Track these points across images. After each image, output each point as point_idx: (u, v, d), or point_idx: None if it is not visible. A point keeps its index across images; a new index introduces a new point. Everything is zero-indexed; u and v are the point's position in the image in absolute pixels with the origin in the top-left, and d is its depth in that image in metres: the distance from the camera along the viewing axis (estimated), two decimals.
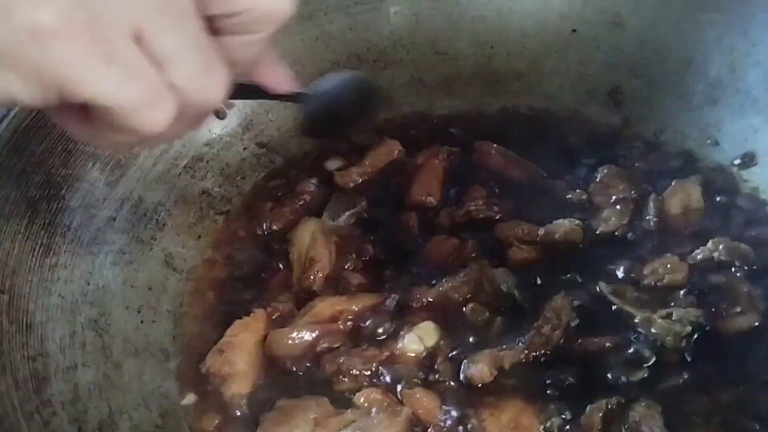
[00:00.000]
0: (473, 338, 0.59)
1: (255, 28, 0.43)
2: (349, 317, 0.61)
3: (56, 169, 0.63)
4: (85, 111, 0.39)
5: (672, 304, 0.60)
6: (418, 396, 0.56)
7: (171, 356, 0.61)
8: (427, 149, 0.75)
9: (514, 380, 0.57)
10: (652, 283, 0.61)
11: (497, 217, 0.68)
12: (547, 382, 0.56)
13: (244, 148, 0.77)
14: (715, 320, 0.59)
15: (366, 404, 0.56)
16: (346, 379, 0.57)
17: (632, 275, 0.63)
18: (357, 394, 0.56)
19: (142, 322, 0.62)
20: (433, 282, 0.63)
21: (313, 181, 0.73)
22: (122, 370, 0.57)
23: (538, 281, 0.63)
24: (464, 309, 0.61)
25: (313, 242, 0.66)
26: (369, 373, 0.57)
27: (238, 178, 0.75)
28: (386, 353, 0.58)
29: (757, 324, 0.59)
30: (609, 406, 0.53)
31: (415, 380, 0.57)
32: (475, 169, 0.73)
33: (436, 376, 0.57)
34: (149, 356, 0.60)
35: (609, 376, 0.56)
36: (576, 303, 0.60)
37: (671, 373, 0.56)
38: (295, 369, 0.59)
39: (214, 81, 0.41)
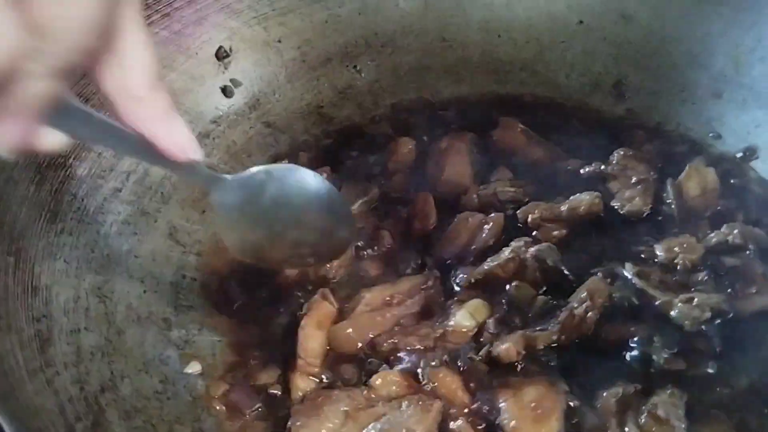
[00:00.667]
0: (517, 316, 0.59)
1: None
2: (398, 301, 0.61)
3: None
4: None
5: (693, 289, 0.60)
6: (441, 375, 0.56)
7: (173, 326, 0.61)
8: (449, 134, 0.75)
9: (543, 361, 0.57)
10: (666, 262, 0.62)
11: (526, 200, 0.68)
12: (572, 366, 0.56)
13: (251, 127, 0.77)
14: (731, 301, 0.59)
15: (383, 387, 0.56)
16: (404, 356, 0.57)
17: (656, 258, 0.63)
18: (373, 376, 0.56)
19: (145, 291, 0.62)
20: (471, 259, 0.63)
21: (326, 169, 0.73)
22: (124, 337, 0.58)
23: (576, 258, 0.63)
24: (507, 287, 0.61)
25: None
26: (425, 348, 0.57)
27: (244, 156, 0.76)
28: (440, 330, 0.58)
29: None
30: (625, 393, 0.54)
31: (443, 359, 0.57)
32: (495, 150, 0.74)
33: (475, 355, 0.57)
34: (151, 324, 0.60)
35: (633, 363, 0.57)
36: (609, 283, 0.60)
37: (696, 363, 0.56)
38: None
39: None
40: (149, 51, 0.37)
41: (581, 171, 0.71)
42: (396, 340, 0.58)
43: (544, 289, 0.61)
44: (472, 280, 0.62)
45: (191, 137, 0.39)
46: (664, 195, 0.68)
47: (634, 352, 0.57)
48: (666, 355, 0.56)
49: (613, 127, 0.77)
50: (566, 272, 0.61)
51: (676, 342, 0.57)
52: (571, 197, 0.67)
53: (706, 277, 0.60)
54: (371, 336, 0.59)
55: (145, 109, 0.37)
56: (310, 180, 0.46)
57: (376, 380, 0.55)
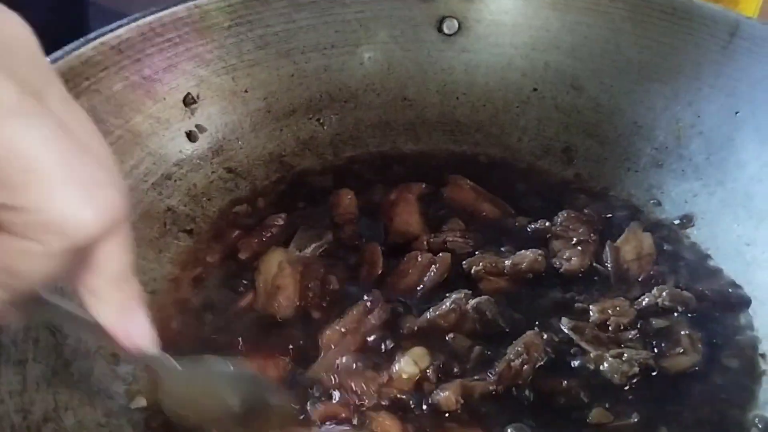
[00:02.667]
0: (456, 365, 0.62)
1: (36, 236, 0.33)
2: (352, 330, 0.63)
3: None
4: None
5: (623, 345, 0.63)
6: (380, 419, 0.58)
7: (121, 361, 0.62)
8: (398, 186, 0.78)
9: (479, 409, 0.59)
10: (599, 322, 0.65)
11: (473, 251, 0.71)
12: (505, 414, 0.59)
13: (212, 172, 0.79)
14: (659, 360, 0.62)
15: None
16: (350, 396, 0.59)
17: (590, 318, 0.66)
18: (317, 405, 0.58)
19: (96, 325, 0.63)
20: (417, 298, 0.67)
21: (282, 215, 0.76)
22: (71, 369, 0.58)
23: (513, 311, 0.66)
24: (447, 337, 0.63)
25: (279, 271, 0.68)
26: (370, 393, 0.59)
27: (204, 199, 0.78)
28: (385, 377, 0.60)
29: (697, 365, 0.63)
30: None
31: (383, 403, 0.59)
32: (446, 203, 0.77)
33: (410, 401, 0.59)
34: (100, 358, 0.61)
35: (564, 413, 0.59)
36: (546, 338, 0.63)
37: (622, 414, 0.59)
38: None
39: None
40: (121, 255, 0.38)
41: (528, 228, 0.74)
42: (340, 380, 0.60)
43: (481, 339, 0.63)
44: (415, 329, 0.64)
45: (147, 331, 0.41)
46: (603, 256, 0.71)
47: (565, 403, 0.59)
48: (595, 407, 0.58)
49: (561, 190, 0.80)
50: (503, 325, 0.64)
51: (605, 395, 0.60)
52: (516, 253, 0.70)
53: (636, 336, 0.63)
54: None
55: (107, 307, 0.39)
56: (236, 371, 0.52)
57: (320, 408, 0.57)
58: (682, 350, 0.63)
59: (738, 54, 0.75)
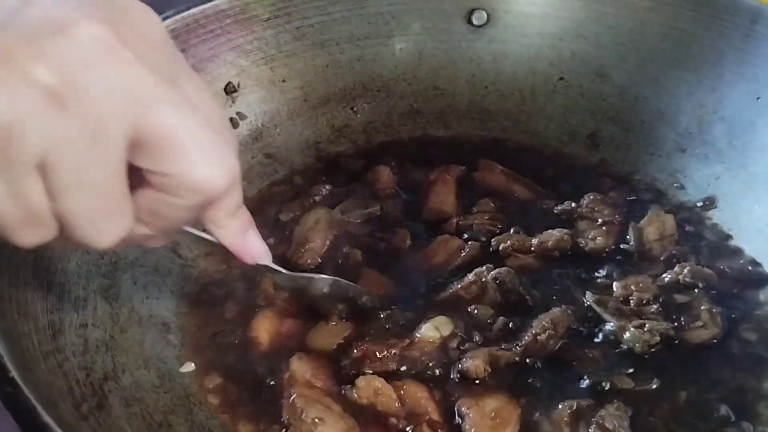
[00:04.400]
0: (478, 335, 0.64)
1: (180, 194, 0.41)
2: None
3: None
4: None
5: (644, 318, 0.66)
6: (407, 386, 0.60)
7: (171, 330, 0.66)
8: (439, 167, 0.82)
9: (505, 377, 0.62)
10: (621, 298, 0.68)
11: (497, 231, 0.75)
12: (530, 380, 0.62)
13: (252, 157, 0.84)
14: (679, 332, 0.65)
15: (365, 389, 0.60)
16: (373, 364, 0.62)
17: (613, 293, 0.69)
18: (359, 379, 0.60)
19: (147, 297, 0.68)
20: (439, 280, 0.70)
21: (327, 186, 0.80)
22: (126, 335, 0.63)
23: (538, 286, 0.69)
24: (470, 309, 0.67)
25: (314, 225, 0.72)
26: (392, 356, 0.62)
27: (245, 182, 0.80)
28: (407, 341, 0.63)
29: (716, 338, 0.66)
30: (578, 406, 0.59)
31: (409, 371, 0.62)
32: (478, 185, 0.81)
33: (437, 369, 0.63)
34: (151, 326, 0.65)
35: (587, 381, 0.62)
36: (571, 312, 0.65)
37: (642, 381, 0.62)
38: None
39: (106, 229, 0.39)
40: (236, 194, 0.46)
41: (554, 210, 0.77)
42: (365, 347, 0.63)
43: (505, 311, 0.66)
44: (438, 300, 0.68)
45: (260, 247, 0.52)
46: (627, 237, 0.74)
47: (588, 372, 0.62)
48: (616, 375, 0.61)
49: (586, 174, 0.83)
50: (524, 293, 0.67)
51: (627, 363, 0.63)
52: (544, 232, 0.73)
53: (658, 310, 0.66)
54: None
55: (227, 232, 0.48)
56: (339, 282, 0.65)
57: (361, 382, 0.60)
58: (702, 324, 0.65)
59: (760, 41, 0.78)
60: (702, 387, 0.62)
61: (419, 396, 0.59)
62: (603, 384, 0.61)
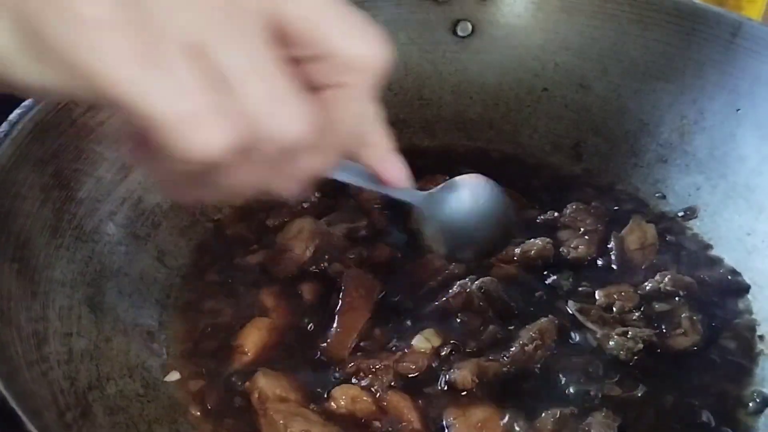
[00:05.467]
0: (468, 345, 0.65)
1: (343, 79, 0.39)
2: None
3: (68, 163, 0.69)
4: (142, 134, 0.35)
5: (627, 325, 0.67)
6: (390, 397, 0.61)
7: (156, 339, 0.66)
8: (424, 177, 0.81)
9: (492, 386, 0.62)
10: (604, 306, 0.69)
11: None
12: (517, 390, 0.62)
13: None
14: (661, 339, 0.66)
15: (343, 399, 0.60)
16: (367, 378, 0.62)
17: (596, 302, 0.70)
18: (333, 390, 0.61)
19: (132, 306, 0.68)
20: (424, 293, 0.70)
21: (316, 193, 0.80)
22: (111, 344, 0.63)
23: (523, 295, 0.70)
24: (457, 319, 0.67)
25: (297, 234, 0.73)
26: (385, 369, 0.62)
27: None
28: (399, 353, 0.64)
29: (696, 345, 0.67)
30: (562, 414, 0.59)
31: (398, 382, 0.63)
32: None
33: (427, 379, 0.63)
34: (136, 335, 0.65)
35: (572, 389, 0.63)
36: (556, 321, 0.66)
37: (628, 388, 0.63)
38: None
39: (287, 112, 0.36)
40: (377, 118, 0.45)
41: (537, 219, 0.78)
42: (359, 361, 0.63)
43: (493, 320, 0.67)
44: (425, 311, 0.68)
45: (402, 171, 0.50)
46: (609, 246, 0.75)
47: (574, 380, 0.63)
48: (603, 382, 0.62)
49: (570, 184, 0.84)
50: (508, 302, 0.68)
51: (612, 371, 0.63)
52: (526, 241, 0.73)
53: (639, 317, 0.67)
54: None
55: (376, 151, 0.47)
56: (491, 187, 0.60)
57: (337, 392, 0.60)
58: (683, 331, 0.66)
59: (740, 53, 0.79)
60: (684, 393, 0.63)
61: (402, 406, 0.60)
62: (590, 392, 0.62)
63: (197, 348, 0.66)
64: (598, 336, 0.65)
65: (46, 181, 0.66)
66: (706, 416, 0.61)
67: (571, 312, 0.68)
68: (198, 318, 0.69)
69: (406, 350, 0.64)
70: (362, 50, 0.38)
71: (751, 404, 0.62)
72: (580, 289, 0.71)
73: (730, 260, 0.75)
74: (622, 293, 0.69)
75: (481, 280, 0.68)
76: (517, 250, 0.72)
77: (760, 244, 0.74)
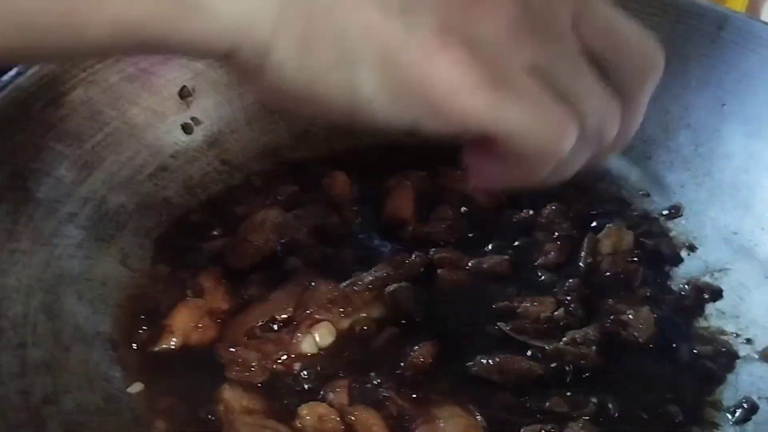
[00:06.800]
0: (360, 351, 0.62)
1: (626, 86, 0.47)
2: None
3: (26, 162, 0.66)
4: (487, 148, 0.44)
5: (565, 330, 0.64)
6: (357, 413, 0.57)
7: (119, 348, 0.63)
8: (399, 173, 0.80)
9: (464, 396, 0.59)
10: (532, 318, 0.65)
11: (454, 240, 0.73)
12: (495, 410, 0.58)
13: (208, 164, 0.80)
14: (615, 337, 0.64)
15: (308, 417, 0.57)
16: (239, 369, 0.60)
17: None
18: (300, 407, 0.58)
19: (93, 312, 0.64)
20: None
21: (294, 187, 0.77)
22: (70, 354, 0.59)
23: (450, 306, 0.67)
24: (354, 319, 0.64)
25: (259, 225, 0.70)
26: (262, 366, 0.60)
27: (199, 190, 0.79)
28: (281, 351, 0.61)
29: (653, 341, 0.64)
30: (543, 428, 0.56)
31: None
32: (439, 192, 0.79)
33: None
34: (98, 344, 0.62)
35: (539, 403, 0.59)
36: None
37: (599, 394, 0.60)
38: None
39: (612, 112, 0.46)
40: None
41: (513, 218, 0.76)
42: (238, 350, 0.61)
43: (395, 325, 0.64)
44: (324, 300, 0.64)
45: None
46: (582, 254, 0.72)
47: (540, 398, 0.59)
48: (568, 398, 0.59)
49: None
50: (412, 312, 0.65)
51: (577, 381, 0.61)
52: (486, 255, 0.71)
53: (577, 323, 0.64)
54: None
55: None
56: None
57: (303, 410, 0.57)
58: (640, 326, 0.64)
59: (725, 47, 0.77)
60: (651, 393, 0.61)
61: (371, 423, 0.56)
62: (559, 407, 0.58)
63: (163, 357, 0.63)
64: (547, 350, 0.62)
65: (1, 180, 0.63)
66: (676, 414, 0.59)
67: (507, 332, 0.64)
68: (139, 310, 0.66)
69: (291, 347, 0.61)
70: (651, 54, 0.47)
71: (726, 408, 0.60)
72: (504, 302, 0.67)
73: (716, 260, 0.73)
74: (536, 302, 0.66)
75: (394, 286, 0.65)
76: (470, 264, 0.69)
77: (746, 243, 0.72)
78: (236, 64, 0.41)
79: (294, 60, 0.40)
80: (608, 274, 0.70)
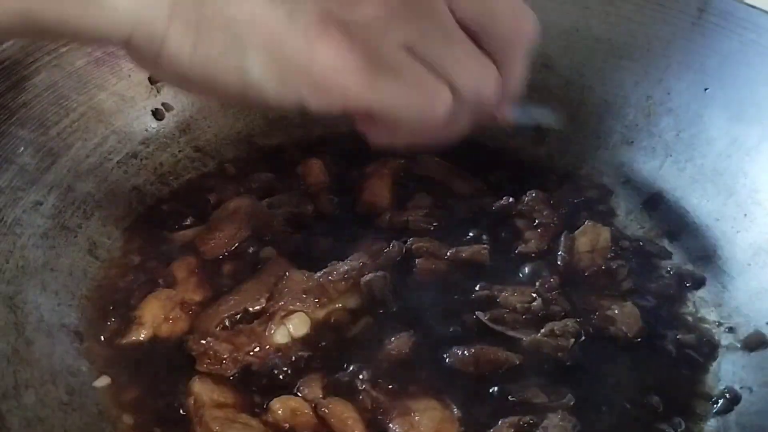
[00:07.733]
0: (335, 342, 0.61)
1: (501, 51, 0.49)
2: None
3: None
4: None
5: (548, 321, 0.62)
6: (331, 406, 0.56)
7: (85, 339, 0.61)
8: (376, 160, 0.78)
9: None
10: (511, 308, 0.64)
11: (431, 228, 0.71)
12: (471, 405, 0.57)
13: (180, 150, 0.78)
14: (595, 330, 0.63)
15: (281, 411, 0.55)
16: (210, 361, 0.58)
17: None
18: (272, 402, 0.56)
19: (59, 304, 0.62)
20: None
21: (271, 175, 0.75)
22: (33, 347, 0.57)
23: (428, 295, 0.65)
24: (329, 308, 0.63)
25: (231, 214, 0.68)
26: (234, 358, 0.58)
27: (171, 178, 0.77)
28: (254, 343, 0.59)
29: (641, 335, 0.64)
30: (521, 422, 0.55)
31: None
32: (418, 179, 0.77)
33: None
34: (63, 337, 0.60)
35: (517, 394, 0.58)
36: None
37: (573, 387, 0.59)
38: None
39: (488, 74, 0.48)
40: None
41: (493, 206, 0.74)
42: (209, 342, 0.59)
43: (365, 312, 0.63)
44: (302, 289, 0.63)
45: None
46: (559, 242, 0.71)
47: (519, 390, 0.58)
48: (547, 389, 0.58)
49: (532, 169, 0.80)
50: (388, 302, 0.63)
51: (558, 373, 0.59)
52: (462, 246, 0.69)
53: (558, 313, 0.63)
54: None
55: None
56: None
57: (275, 404, 0.55)
58: (621, 317, 0.63)
59: (707, 30, 0.76)
60: (635, 384, 0.60)
61: (345, 416, 0.55)
62: (536, 399, 0.57)
63: (130, 349, 0.61)
64: (525, 342, 0.60)
65: None
66: (659, 405, 0.58)
67: (485, 322, 0.62)
68: (107, 301, 0.64)
69: (264, 338, 0.60)
70: (522, 21, 0.49)
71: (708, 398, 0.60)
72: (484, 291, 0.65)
73: (697, 247, 0.71)
74: (515, 292, 0.64)
75: (370, 276, 0.63)
76: (449, 253, 0.68)
77: (729, 230, 0.71)
78: (135, 50, 0.43)
79: (188, 46, 0.42)
80: (587, 274, 0.69)
